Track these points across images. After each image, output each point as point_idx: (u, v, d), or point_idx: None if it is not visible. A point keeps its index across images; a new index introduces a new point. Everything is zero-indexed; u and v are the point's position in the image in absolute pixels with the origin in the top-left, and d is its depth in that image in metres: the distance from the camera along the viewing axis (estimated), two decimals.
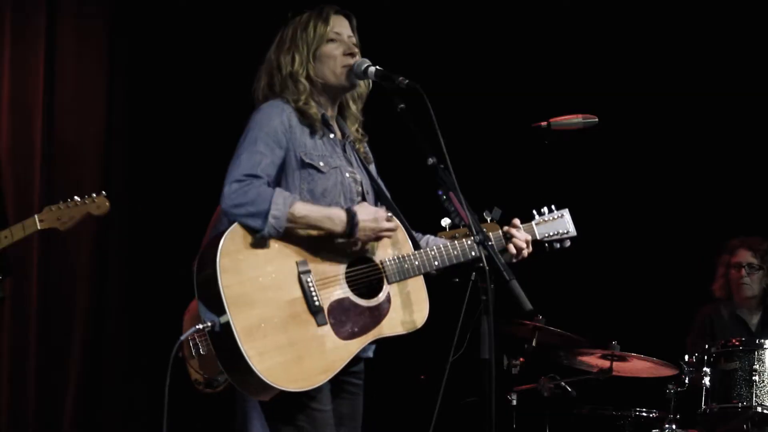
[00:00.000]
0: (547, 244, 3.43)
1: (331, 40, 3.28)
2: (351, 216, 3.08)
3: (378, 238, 3.14)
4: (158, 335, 5.64)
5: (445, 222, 3.35)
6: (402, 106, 3.13)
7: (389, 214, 3.16)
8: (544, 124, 3.85)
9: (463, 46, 6.63)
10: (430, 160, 3.07)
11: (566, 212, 3.47)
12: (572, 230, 3.45)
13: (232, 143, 3.27)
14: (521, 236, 3.32)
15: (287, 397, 3.01)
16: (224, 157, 3.25)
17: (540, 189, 3.47)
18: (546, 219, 3.43)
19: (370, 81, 3.33)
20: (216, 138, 5.90)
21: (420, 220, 3.44)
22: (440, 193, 3.07)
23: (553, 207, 3.45)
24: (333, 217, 3.08)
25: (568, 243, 3.45)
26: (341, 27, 3.31)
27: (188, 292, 4.59)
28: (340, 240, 3.10)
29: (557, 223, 3.44)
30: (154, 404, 5.89)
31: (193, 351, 4.37)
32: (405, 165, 4.01)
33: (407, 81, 3.13)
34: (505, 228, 3.34)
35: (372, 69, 3.23)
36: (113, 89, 6.06)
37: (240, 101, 3.58)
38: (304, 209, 3.06)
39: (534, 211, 3.44)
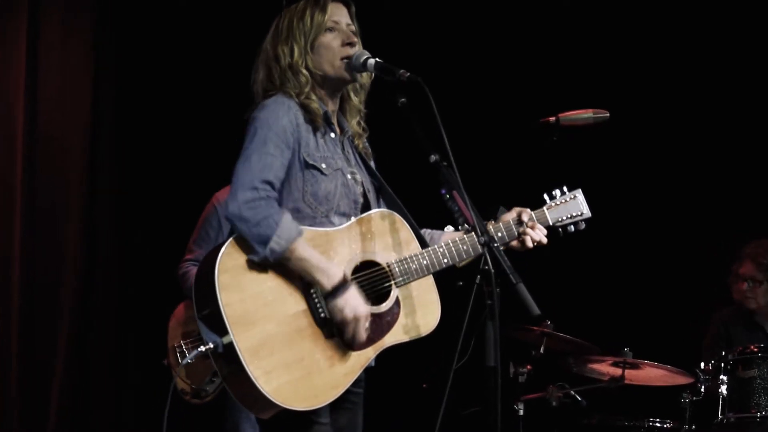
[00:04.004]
0: (560, 229, 3.40)
1: (329, 30, 3.26)
2: (342, 283, 3.04)
3: (342, 325, 3.05)
4: (148, 337, 5.67)
5: (449, 229, 3.33)
6: (403, 100, 3.13)
7: (368, 325, 3.09)
8: (552, 119, 3.85)
9: (467, 38, 6.64)
10: (433, 158, 3.06)
11: (579, 193, 3.44)
12: (586, 211, 3.42)
13: (222, 138, 3.27)
14: (536, 236, 3.30)
15: (288, 413, 3.00)
16: (214, 152, 3.26)
17: (547, 189, 3.45)
18: (558, 202, 3.40)
19: (371, 73, 3.32)
20: (206, 133, 5.96)
21: (422, 222, 3.44)
22: (443, 192, 3.06)
23: (565, 188, 3.43)
24: (329, 273, 3.04)
25: (582, 225, 3.42)
26: (339, 15, 3.29)
27: (178, 292, 4.63)
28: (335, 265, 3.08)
29: (570, 206, 3.41)
30: (142, 409, 5.93)
31: (180, 360, 4.37)
32: (406, 163, 4.01)
33: (408, 74, 3.12)
34: (515, 210, 3.33)
35: (371, 61, 3.22)
36: (99, 83, 6.05)
37: (230, 95, 3.59)
38: (305, 253, 3.02)
39: (545, 195, 3.41)
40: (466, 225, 3.04)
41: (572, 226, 3.41)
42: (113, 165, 6.12)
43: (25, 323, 5.71)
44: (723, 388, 5.17)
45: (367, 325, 3.07)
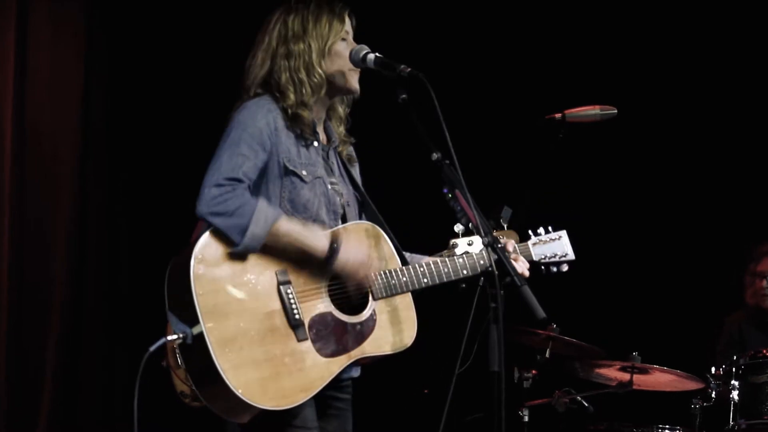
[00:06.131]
0: (543, 267, 3.46)
1: (343, 39, 3.33)
2: (333, 243, 3.09)
3: (351, 277, 3.12)
4: (143, 338, 5.68)
5: (459, 228, 3.33)
6: (404, 96, 3.14)
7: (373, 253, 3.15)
8: (558, 115, 3.86)
9: (469, 32, 6.63)
10: (435, 156, 3.07)
11: (564, 234, 3.51)
12: (570, 253, 3.50)
13: (216, 136, 3.27)
14: (519, 268, 3.32)
15: (269, 417, 3.01)
16: (208, 150, 3.26)
17: (553, 188, 3.46)
18: (543, 239, 3.47)
19: (370, 68, 3.34)
20: (199, 130, 5.93)
21: (425, 223, 3.44)
22: (446, 191, 3.07)
23: (550, 228, 3.49)
24: (318, 242, 3.09)
25: (565, 267, 3.49)
26: (349, 26, 3.37)
27: None
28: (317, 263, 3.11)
29: (554, 245, 3.48)
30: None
31: (180, 360, 4.36)
32: (407, 161, 4.02)
33: (409, 69, 3.14)
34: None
35: (371, 56, 3.24)
36: (90, 78, 6.05)
37: (225, 92, 3.59)
38: (286, 226, 3.07)
39: (530, 231, 3.47)
40: (468, 224, 3.05)
41: (555, 267, 3.46)
42: (104, 162, 6.12)
43: (15, 324, 5.72)
44: (734, 394, 5.18)
45: (374, 263, 3.13)
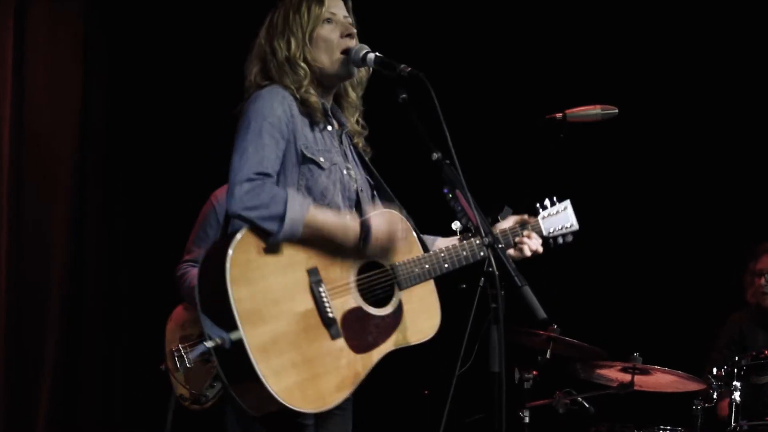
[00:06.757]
0: (551, 240, 3.45)
1: (327, 21, 3.29)
2: (365, 230, 3.09)
3: (386, 246, 3.14)
4: (141, 340, 5.69)
5: (456, 225, 3.33)
6: (404, 96, 3.13)
7: (404, 228, 3.17)
8: (559, 115, 3.85)
9: (470, 31, 6.63)
10: (435, 156, 3.07)
11: (568, 204, 3.49)
12: (575, 223, 3.48)
13: (218, 135, 3.26)
14: (533, 245, 3.34)
15: (284, 412, 2.99)
16: (209, 149, 3.25)
17: (554, 188, 3.46)
18: (551, 212, 3.46)
19: (370, 68, 3.33)
20: (200, 130, 5.96)
21: (426, 223, 3.44)
22: (446, 191, 3.07)
23: (555, 199, 3.47)
24: (350, 231, 3.09)
25: (570, 238, 3.48)
26: (336, 7, 3.32)
27: (174, 294, 4.63)
28: (350, 249, 3.11)
29: (561, 217, 3.47)
30: (133, 411, 5.94)
31: (179, 364, 4.36)
32: (407, 161, 4.01)
33: (410, 69, 3.13)
34: (512, 218, 3.35)
35: (371, 56, 3.23)
36: (89, 78, 6.07)
37: (224, 90, 3.59)
38: (320, 215, 3.05)
39: (537, 204, 3.45)
40: (468, 225, 3.05)
41: (561, 239, 3.46)
42: (103, 162, 6.13)
43: (14, 324, 5.72)
44: (736, 395, 5.17)
45: (401, 234, 3.15)
